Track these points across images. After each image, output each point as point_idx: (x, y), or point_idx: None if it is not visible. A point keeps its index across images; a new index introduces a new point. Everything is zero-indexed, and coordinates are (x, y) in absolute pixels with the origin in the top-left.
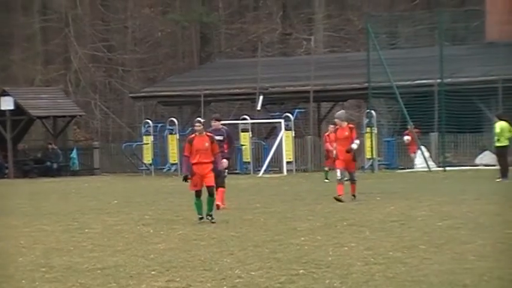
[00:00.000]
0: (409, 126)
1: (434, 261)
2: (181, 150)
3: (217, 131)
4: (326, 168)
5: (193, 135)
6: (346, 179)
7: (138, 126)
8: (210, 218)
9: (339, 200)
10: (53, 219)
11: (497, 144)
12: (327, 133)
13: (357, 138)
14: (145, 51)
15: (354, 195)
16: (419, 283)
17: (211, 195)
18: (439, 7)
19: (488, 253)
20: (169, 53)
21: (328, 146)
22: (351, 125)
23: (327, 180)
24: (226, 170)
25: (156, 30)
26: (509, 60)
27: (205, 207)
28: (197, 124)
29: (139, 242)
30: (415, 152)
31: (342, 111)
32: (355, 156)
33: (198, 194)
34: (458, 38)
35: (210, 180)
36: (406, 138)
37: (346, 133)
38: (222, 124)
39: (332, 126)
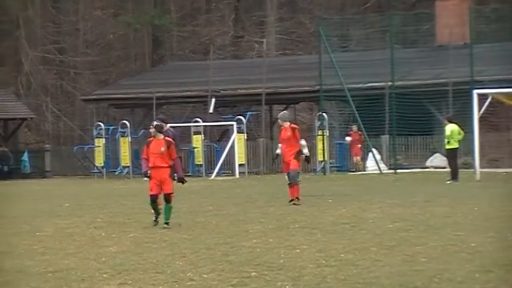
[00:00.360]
0: (353, 127)
1: (385, 263)
2: (133, 153)
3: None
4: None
5: (151, 138)
6: (299, 180)
7: (90, 128)
8: (166, 225)
9: (295, 204)
10: (3, 222)
11: (448, 146)
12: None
13: (301, 138)
14: (97, 54)
15: (297, 198)
16: (370, 285)
17: (167, 202)
18: (390, 10)
19: (438, 255)
20: (121, 55)
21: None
22: (293, 125)
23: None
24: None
25: (108, 32)
26: (459, 63)
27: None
28: (151, 127)
29: (91, 245)
30: (357, 155)
31: (285, 111)
32: (300, 154)
33: (153, 198)
34: (409, 41)
35: (168, 187)
36: (348, 139)
37: (289, 133)
38: (171, 126)
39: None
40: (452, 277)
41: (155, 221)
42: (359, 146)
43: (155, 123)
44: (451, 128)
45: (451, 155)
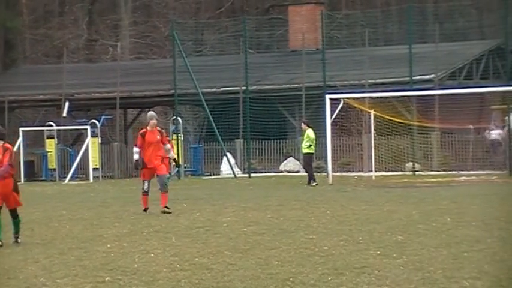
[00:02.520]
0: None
1: (239, 266)
2: None
3: None
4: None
5: None
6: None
7: None
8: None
9: (168, 212)
10: None
11: (309, 150)
12: None
13: (169, 141)
14: None
15: (167, 207)
16: None
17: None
18: (243, 15)
19: (291, 258)
20: None
21: None
22: (159, 128)
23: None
24: None
25: None
26: (312, 68)
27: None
28: None
29: None
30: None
31: (152, 112)
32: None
33: None
34: (263, 46)
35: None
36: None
37: (158, 137)
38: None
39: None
40: (305, 280)
41: None
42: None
43: None
44: (312, 132)
45: (311, 159)
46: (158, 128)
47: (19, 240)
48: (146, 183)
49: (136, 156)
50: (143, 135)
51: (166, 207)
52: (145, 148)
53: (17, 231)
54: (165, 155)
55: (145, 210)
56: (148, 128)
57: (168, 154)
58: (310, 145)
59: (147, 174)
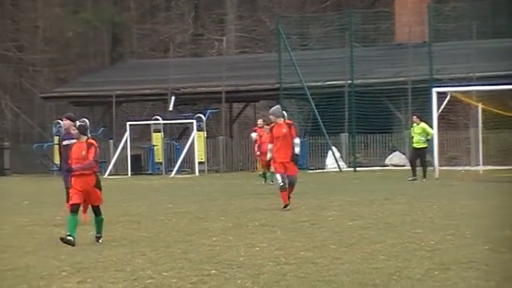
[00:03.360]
0: (259, 122)
1: (344, 260)
2: None
3: (70, 135)
4: (260, 173)
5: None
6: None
7: (50, 126)
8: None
9: (286, 208)
10: None
11: (423, 145)
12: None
13: (297, 136)
14: (56, 51)
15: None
16: (329, 282)
17: (96, 214)
18: (349, 8)
19: (397, 253)
20: (80, 53)
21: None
22: (288, 121)
23: (270, 183)
24: None
25: (67, 29)
26: (418, 62)
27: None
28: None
29: (50, 242)
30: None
31: (277, 106)
32: (294, 156)
33: (74, 208)
34: (368, 39)
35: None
36: (254, 134)
37: (284, 130)
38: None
39: (262, 123)
40: (411, 274)
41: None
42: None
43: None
44: (429, 127)
45: (426, 153)
46: (288, 120)
47: (100, 241)
48: (280, 177)
49: (269, 155)
50: (271, 130)
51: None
52: (274, 142)
53: (99, 231)
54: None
55: (285, 206)
56: (277, 121)
57: (296, 148)
58: (428, 139)
59: (279, 168)
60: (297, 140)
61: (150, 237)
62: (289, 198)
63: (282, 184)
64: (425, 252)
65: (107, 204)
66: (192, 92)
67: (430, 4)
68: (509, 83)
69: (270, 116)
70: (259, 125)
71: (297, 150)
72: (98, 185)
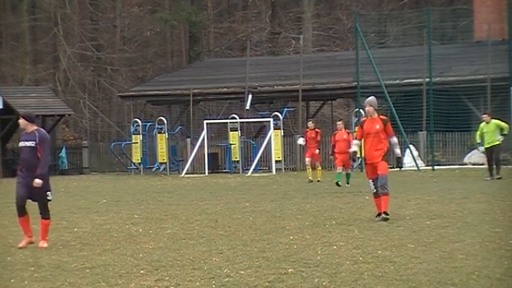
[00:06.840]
0: (310, 123)
1: (422, 260)
2: (170, 149)
3: (28, 135)
4: (338, 170)
5: None
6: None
7: (127, 125)
8: None
9: (386, 219)
10: None
11: (499, 142)
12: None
13: (394, 134)
14: (134, 51)
15: (385, 213)
16: (407, 282)
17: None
18: (427, 6)
19: (476, 252)
20: (158, 52)
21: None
22: (383, 116)
23: (348, 185)
24: (49, 192)
25: (144, 29)
26: (497, 59)
27: None
28: None
29: (128, 241)
30: (315, 159)
31: (373, 96)
32: (398, 160)
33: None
34: (446, 37)
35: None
36: (301, 139)
37: (378, 126)
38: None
39: (312, 125)
40: (491, 274)
41: None
42: (316, 149)
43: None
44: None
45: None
46: (382, 116)
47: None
48: (371, 184)
49: (353, 148)
50: (361, 125)
51: (385, 213)
52: (365, 139)
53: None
54: (386, 148)
55: (379, 215)
56: (368, 116)
57: (395, 149)
58: (505, 134)
59: (369, 172)
60: (394, 139)
61: (227, 235)
62: (385, 213)
63: (374, 191)
64: (505, 251)
65: (184, 202)
66: (269, 91)
67: (510, 1)
68: None
69: (367, 108)
70: (309, 127)
71: (398, 151)
72: None
